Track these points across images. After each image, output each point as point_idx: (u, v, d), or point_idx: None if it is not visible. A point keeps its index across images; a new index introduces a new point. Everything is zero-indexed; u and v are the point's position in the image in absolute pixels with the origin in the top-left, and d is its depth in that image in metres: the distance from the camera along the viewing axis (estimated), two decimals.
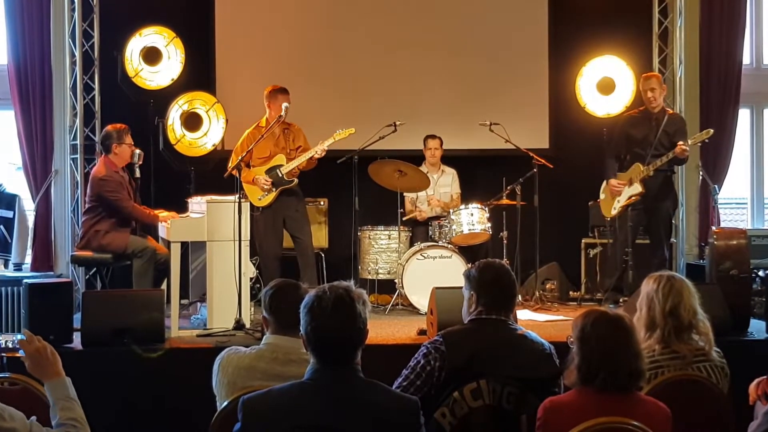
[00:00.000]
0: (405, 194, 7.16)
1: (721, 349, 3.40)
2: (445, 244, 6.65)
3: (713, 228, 6.69)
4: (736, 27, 8.23)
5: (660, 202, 6.62)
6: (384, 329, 5.62)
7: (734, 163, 8.35)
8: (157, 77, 7.37)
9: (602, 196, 6.87)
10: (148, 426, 4.71)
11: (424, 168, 7.23)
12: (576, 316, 2.91)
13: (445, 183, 7.43)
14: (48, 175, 7.57)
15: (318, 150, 6.50)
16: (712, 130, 6.50)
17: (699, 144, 6.66)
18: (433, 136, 7.36)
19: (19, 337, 2.76)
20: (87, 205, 6.20)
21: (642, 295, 3.40)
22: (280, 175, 6.55)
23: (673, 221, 7.02)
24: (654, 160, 6.43)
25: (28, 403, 2.66)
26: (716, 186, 8.16)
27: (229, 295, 5.46)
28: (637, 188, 6.49)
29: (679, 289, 3.32)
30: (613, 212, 6.65)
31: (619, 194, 6.60)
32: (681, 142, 6.29)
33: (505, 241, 6.88)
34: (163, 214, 6.06)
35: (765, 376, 3.26)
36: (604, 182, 6.80)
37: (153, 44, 7.32)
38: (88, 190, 6.25)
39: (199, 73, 7.63)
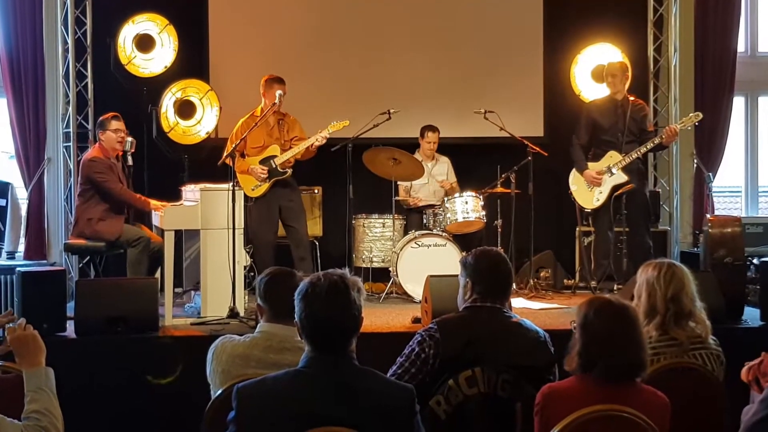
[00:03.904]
0: (399, 183, 7.14)
1: (716, 336, 3.41)
2: (440, 233, 6.64)
3: (708, 216, 6.67)
4: (731, 14, 8.23)
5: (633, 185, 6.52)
6: (378, 317, 5.61)
7: (729, 151, 8.37)
8: (150, 65, 7.35)
9: (573, 187, 6.71)
10: (142, 414, 4.71)
11: (418, 156, 7.21)
12: (582, 302, 2.88)
13: (440, 172, 7.41)
14: (41, 163, 7.55)
15: (319, 137, 6.42)
16: (701, 114, 6.48)
17: (689, 128, 6.62)
18: (432, 129, 7.29)
19: (9, 325, 2.71)
20: (79, 190, 6.18)
21: (640, 282, 3.39)
22: (274, 166, 6.50)
23: (649, 201, 6.87)
24: (634, 147, 6.41)
25: (21, 391, 2.63)
26: (710, 174, 8.17)
27: (223, 283, 5.43)
28: (622, 177, 6.45)
29: (681, 277, 3.32)
30: (596, 203, 6.57)
31: (599, 184, 6.54)
32: (671, 125, 6.26)
33: (499, 230, 6.88)
34: (154, 202, 6.03)
35: (755, 361, 3.25)
36: (572, 172, 6.71)
37: (146, 31, 7.29)
38: (79, 176, 6.23)
39: (193, 61, 7.59)
